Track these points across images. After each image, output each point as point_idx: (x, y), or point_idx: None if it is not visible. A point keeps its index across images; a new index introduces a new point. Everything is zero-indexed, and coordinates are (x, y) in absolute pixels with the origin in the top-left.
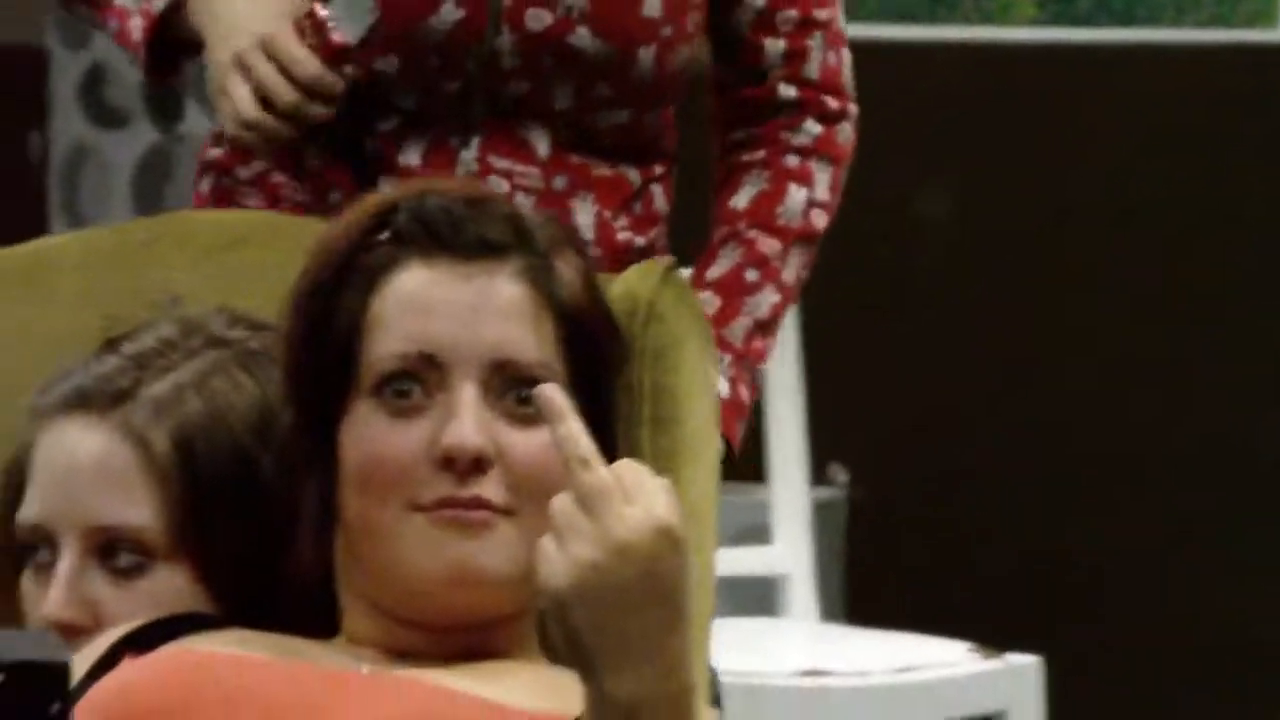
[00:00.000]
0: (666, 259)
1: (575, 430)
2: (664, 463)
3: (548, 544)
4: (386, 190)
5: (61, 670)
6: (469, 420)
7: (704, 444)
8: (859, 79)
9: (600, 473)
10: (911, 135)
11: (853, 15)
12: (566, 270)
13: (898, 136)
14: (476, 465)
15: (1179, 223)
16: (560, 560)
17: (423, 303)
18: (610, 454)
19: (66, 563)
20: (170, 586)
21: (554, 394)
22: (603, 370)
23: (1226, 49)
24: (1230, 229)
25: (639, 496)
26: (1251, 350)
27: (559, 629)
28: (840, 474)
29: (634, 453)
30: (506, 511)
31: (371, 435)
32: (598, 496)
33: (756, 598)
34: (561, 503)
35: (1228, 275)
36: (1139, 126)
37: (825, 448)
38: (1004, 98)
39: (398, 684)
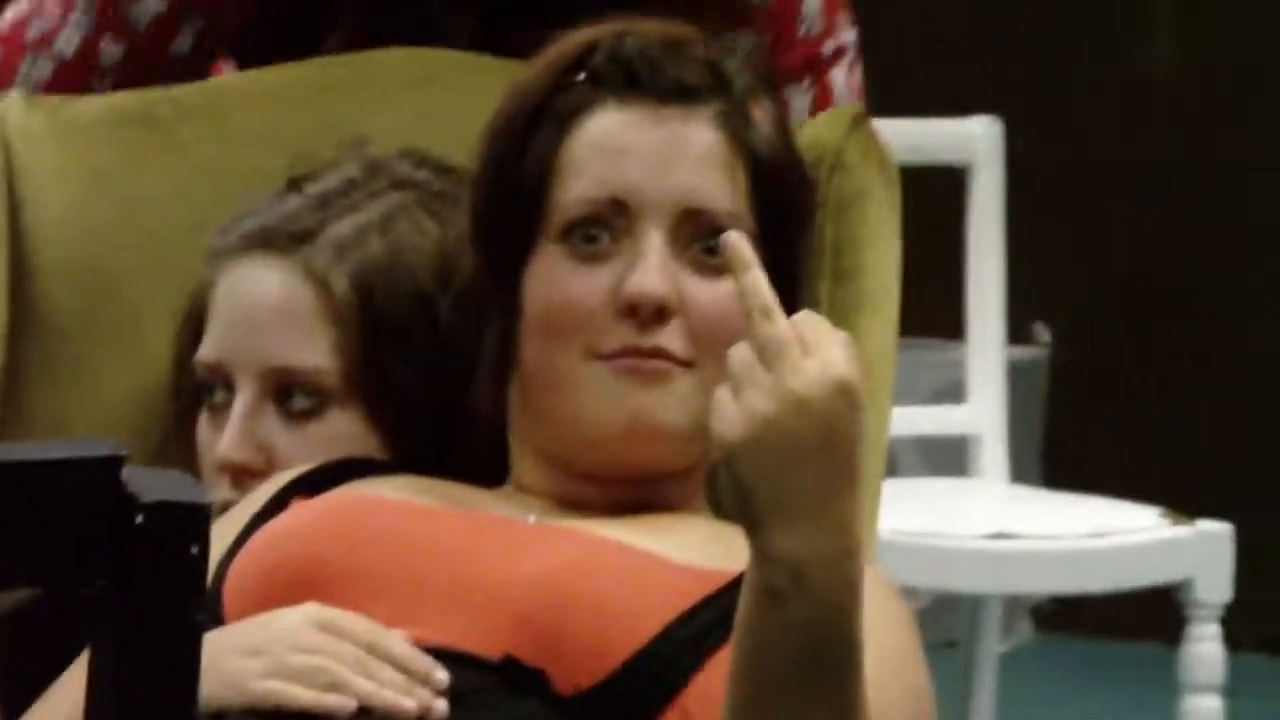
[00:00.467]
0: (856, 106)
1: (759, 281)
2: (843, 316)
3: (723, 394)
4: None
5: (201, 511)
6: (654, 268)
7: (884, 298)
8: None
9: (780, 324)
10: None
11: None
12: (763, 117)
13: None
14: (659, 315)
15: None
16: (735, 411)
17: (616, 146)
18: (793, 307)
19: (242, 403)
20: (344, 430)
21: (740, 243)
22: (793, 222)
23: None
24: None
25: (818, 350)
26: None
27: (729, 481)
28: (1044, 333)
29: (813, 304)
30: (687, 363)
31: (556, 280)
32: (776, 348)
33: (952, 457)
34: (740, 353)
35: None
36: None
37: (1029, 306)
38: None
39: (563, 534)
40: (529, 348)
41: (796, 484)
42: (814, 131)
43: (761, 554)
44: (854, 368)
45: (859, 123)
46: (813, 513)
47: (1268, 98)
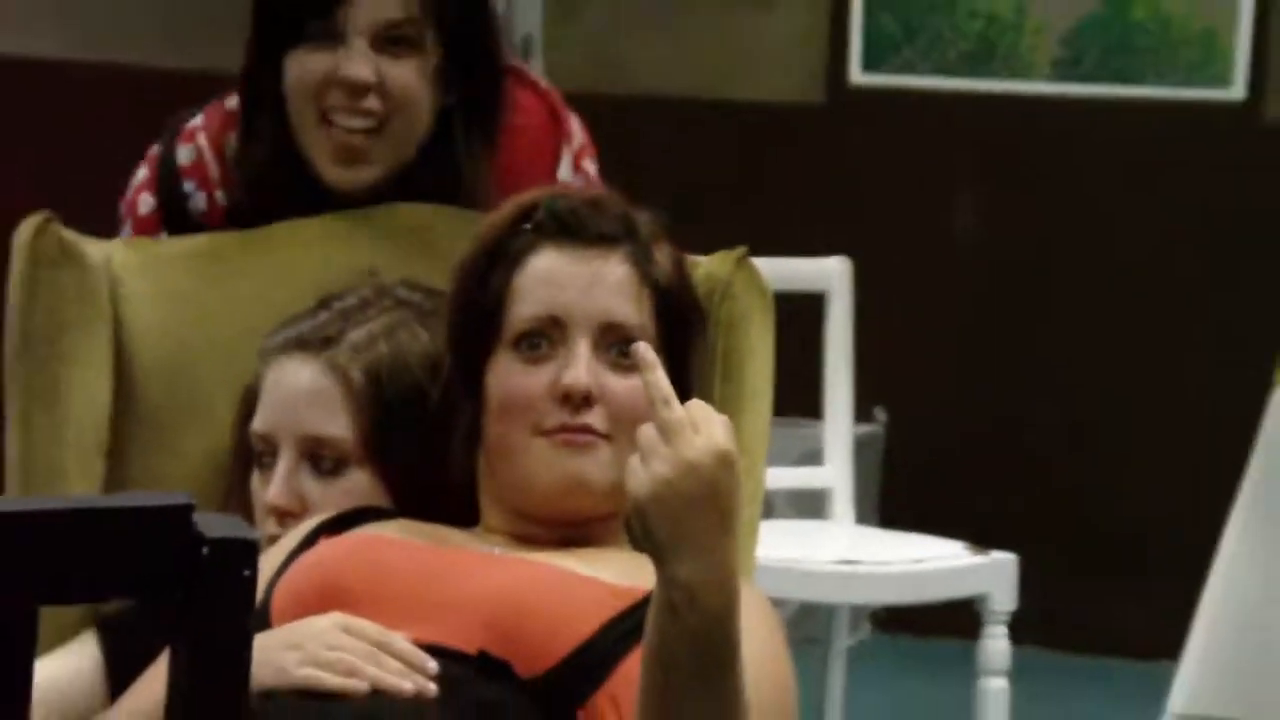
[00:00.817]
0: (741, 249)
1: (660, 379)
2: (730, 407)
3: (634, 461)
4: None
5: (253, 546)
6: (583, 367)
7: (761, 397)
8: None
9: (676, 410)
10: (950, 164)
11: (907, 70)
12: (663, 257)
13: (940, 166)
14: (586, 401)
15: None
16: (642, 474)
17: (553, 278)
18: (686, 397)
19: (284, 463)
20: (359, 485)
21: (646, 350)
22: (687, 335)
23: (1192, 104)
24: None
25: (705, 429)
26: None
27: (639, 526)
28: (881, 415)
29: (706, 397)
30: (607, 437)
31: (510, 377)
32: (673, 427)
33: (813, 505)
34: (646, 431)
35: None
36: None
37: (871, 394)
38: (1025, 137)
39: (519, 562)
40: (490, 426)
41: (688, 529)
42: (707, 267)
43: (663, 579)
44: (732, 442)
45: (743, 261)
46: (701, 549)
47: (1054, 251)
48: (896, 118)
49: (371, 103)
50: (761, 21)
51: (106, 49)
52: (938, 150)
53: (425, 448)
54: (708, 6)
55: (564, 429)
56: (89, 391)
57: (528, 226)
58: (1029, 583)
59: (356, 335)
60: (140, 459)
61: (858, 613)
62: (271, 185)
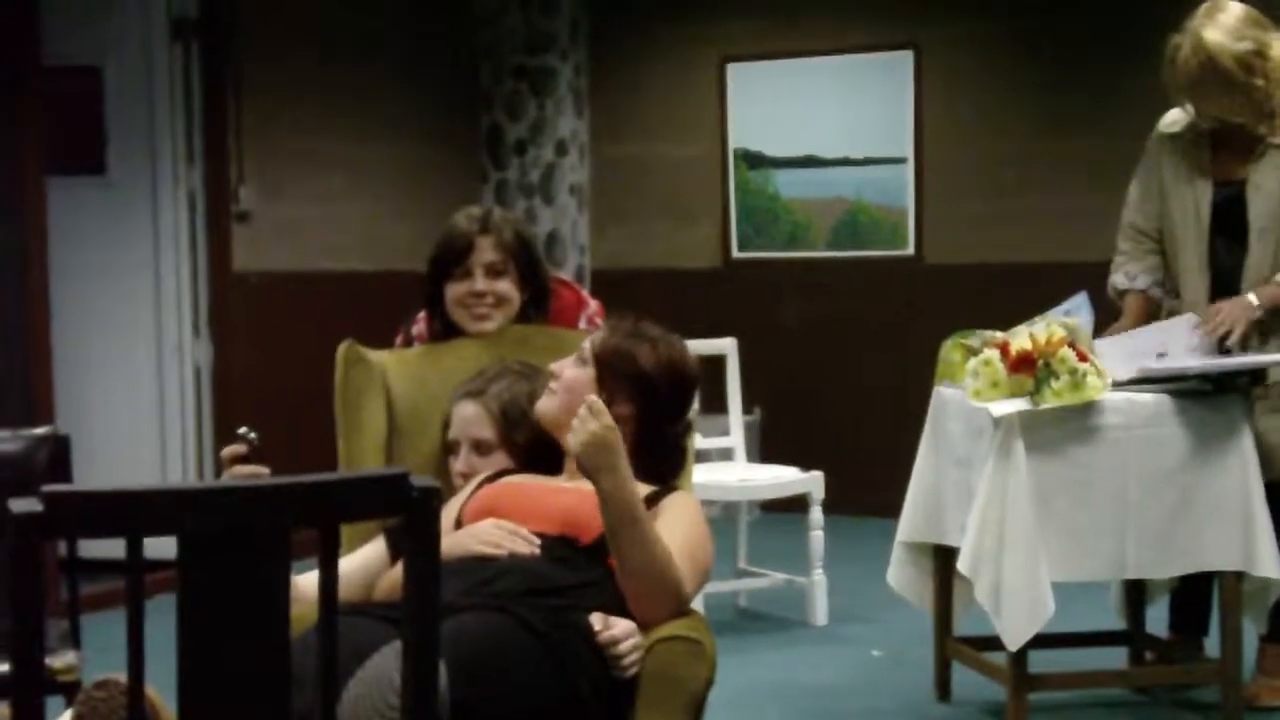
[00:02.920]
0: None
1: (594, 401)
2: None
3: (574, 426)
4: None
5: (436, 490)
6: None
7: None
8: (761, 277)
9: (594, 405)
10: (780, 292)
11: (759, 249)
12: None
13: (773, 293)
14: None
15: None
16: (574, 439)
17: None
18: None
19: (462, 453)
20: (500, 460)
21: (594, 401)
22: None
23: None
24: None
25: (600, 416)
26: None
27: (579, 463)
28: (757, 410)
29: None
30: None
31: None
32: (589, 414)
33: (725, 456)
34: (581, 412)
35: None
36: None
37: (753, 399)
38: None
39: (576, 491)
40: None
41: (598, 463)
42: None
43: (597, 490)
44: (611, 422)
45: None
46: (607, 471)
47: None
48: (756, 275)
49: (489, 300)
50: (687, 228)
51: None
52: (772, 288)
53: (531, 440)
54: (663, 219)
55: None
56: (375, 423)
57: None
58: (830, 487)
59: (495, 388)
60: (399, 457)
61: (751, 505)
62: (445, 338)
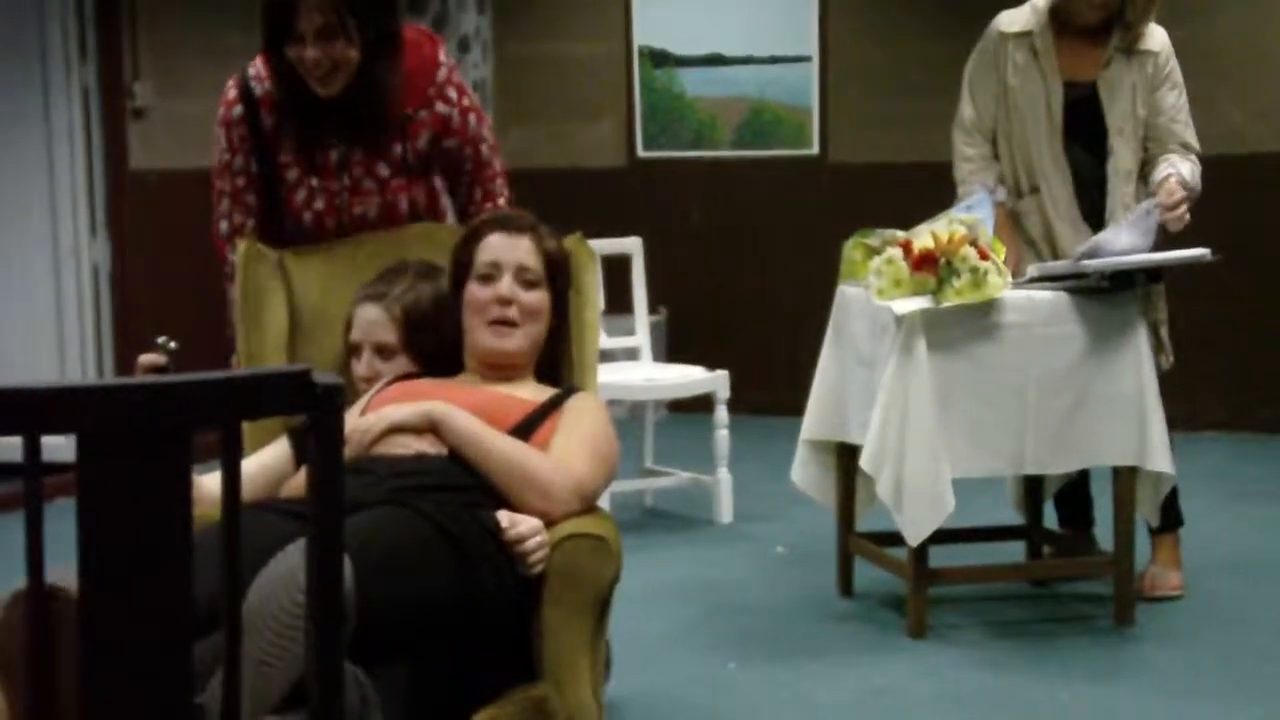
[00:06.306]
0: (579, 233)
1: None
2: (578, 310)
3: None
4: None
5: (340, 386)
6: (506, 285)
7: (593, 306)
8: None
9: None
10: (685, 193)
11: (666, 148)
12: (550, 238)
13: (679, 196)
14: (507, 304)
15: None
16: (407, 417)
17: (495, 246)
18: (564, 312)
19: (365, 356)
20: (403, 364)
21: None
22: (561, 275)
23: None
24: None
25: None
26: None
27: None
28: (662, 310)
29: (568, 311)
30: (516, 324)
31: (475, 293)
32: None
33: (630, 356)
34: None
35: None
36: None
37: (658, 299)
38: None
39: (481, 390)
40: (465, 320)
41: (439, 411)
42: (569, 242)
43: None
44: (440, 406)
45: (582, 240)
46: (448, 414)
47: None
48: (662, 174)
49: (324, 65)
50: (591, 127)
51: None
52: (677, 187)
53: (435, 341)
54: (568, 118)
55: (499, 320)
56: (276, 322)
57: (486, 221)
58: (735, 386)
59: (397, 289)
60: (301, 353)
61: (658, 404)
62: (290, 96)
